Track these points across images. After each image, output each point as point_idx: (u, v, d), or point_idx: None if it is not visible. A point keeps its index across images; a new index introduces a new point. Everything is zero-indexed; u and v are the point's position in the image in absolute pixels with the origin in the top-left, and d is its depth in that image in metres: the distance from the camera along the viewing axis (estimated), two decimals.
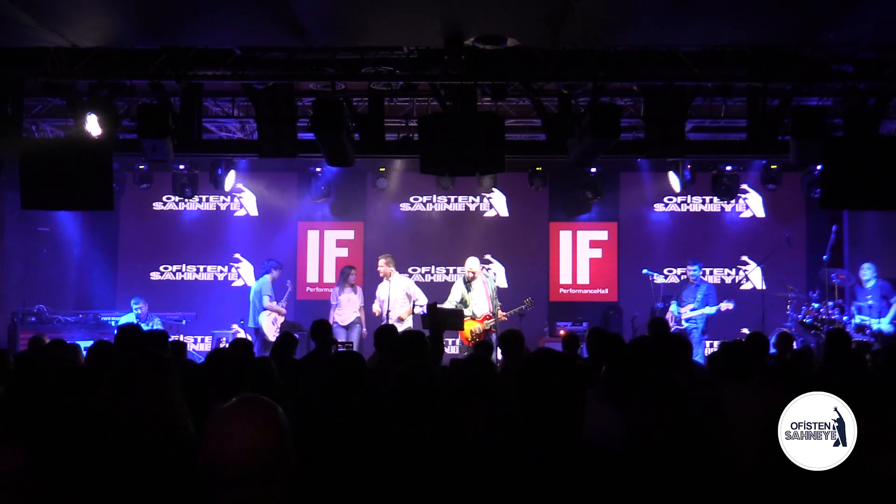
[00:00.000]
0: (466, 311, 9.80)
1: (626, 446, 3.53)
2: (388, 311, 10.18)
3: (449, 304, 9.89)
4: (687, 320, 10.36)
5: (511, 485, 2.42)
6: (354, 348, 9.76)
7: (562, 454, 2.45)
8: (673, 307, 10.57)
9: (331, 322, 10.19)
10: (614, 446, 3.30)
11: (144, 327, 10.24)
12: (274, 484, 1.92)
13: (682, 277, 10.88)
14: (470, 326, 9.82)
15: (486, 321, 9.83)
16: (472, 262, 10.16)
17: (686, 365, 5.39)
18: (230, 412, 1.95)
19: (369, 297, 10.95)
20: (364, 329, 10.75)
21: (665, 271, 12.23)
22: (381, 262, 10.66)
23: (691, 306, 10.47)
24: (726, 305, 10.44)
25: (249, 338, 10.28)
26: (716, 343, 10.00)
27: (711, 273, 12.43)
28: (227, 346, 8.14)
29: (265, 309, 10.99)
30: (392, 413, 2.98)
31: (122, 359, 3.09)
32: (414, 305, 10.41)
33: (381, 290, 10.52)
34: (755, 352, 5.69)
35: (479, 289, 9.99)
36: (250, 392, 2.05)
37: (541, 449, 2.46)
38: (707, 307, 10.42)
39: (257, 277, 11.70)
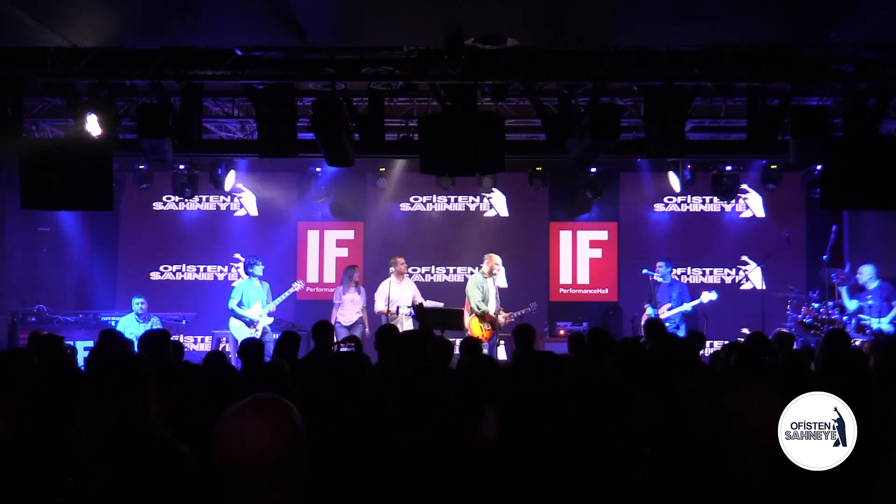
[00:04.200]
0: (482, 308, 9.90)
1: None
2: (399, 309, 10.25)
3: (478, 302, 9.97)
4: (666, 320, 10.36)
5: (510, 480, 2.43)
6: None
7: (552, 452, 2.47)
8: (649, 310, 10.60)
9: (333, 322, 10.19)
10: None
11: (145, 326, 10.26)
12: (286, 484, 1.91)
13: (652, 279, 10.87)
14: (480, 324, 9.89)
15: (489, 320, 9.92)
16: (497, 258, 10.29)
17: (693, 366, 5.39)
18: (246, 411, 1.93)
19: (373, 297, 10.95)
20: (367, 329, 10.73)
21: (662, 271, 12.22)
22: (401, 260, 10.67)
23: (668, 306, 10.52)
24: (709, 296, 10.49)
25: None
26: (716, 343, 10.00)
27: (711, 273, 12.46)
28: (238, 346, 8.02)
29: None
30: (394, 417, 2.96)
31: (93, 363, 3.06)
32: (398, 309, 10.36)
33: (394, 290, 10.50)
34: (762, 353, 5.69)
35: (492, 287, 10.15)
36: (265, 391, 2.04)
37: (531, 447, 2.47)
38: (684, 304, 10.52)
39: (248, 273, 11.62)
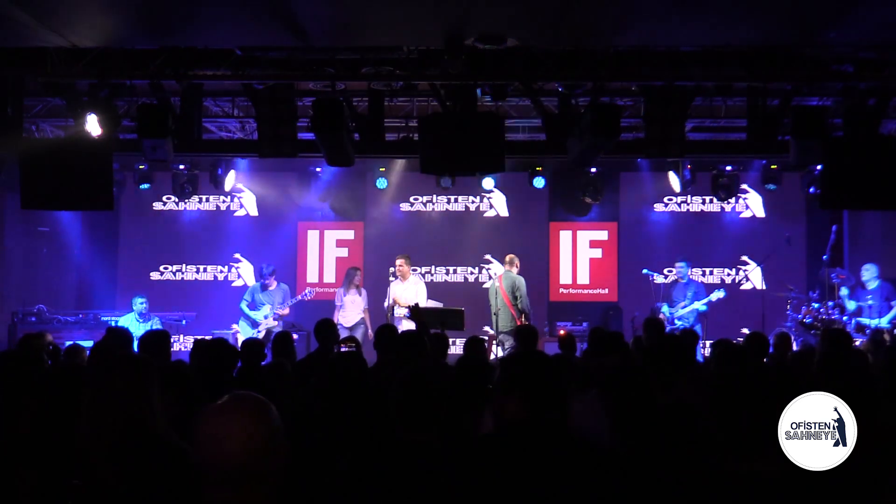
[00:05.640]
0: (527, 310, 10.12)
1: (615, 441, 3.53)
2: (394, 307, 10.27)
3: (525, 300, 10.13)
4: (679, 318, 10.40)
5: (504, 480, 2.44)
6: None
7: (550, 450, 2.47)
8: (665, 309, 10.62)
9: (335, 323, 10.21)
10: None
11: (145, 326, 10.28)
12: (264, 482, 1.91)
13: (670, 279, 10.92)
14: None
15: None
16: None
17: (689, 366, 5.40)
18: (222, 410, 1.93)
19: (374, 297, 10.94)
20: (369, 331, 10.72)
21: (665, 271, 12.22)
22: (400, 261, 10.68)
23: (683, 304, 10.56)
24: (717, 295, 10.55)
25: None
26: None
27: (711, 273, 12.46)
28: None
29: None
30: (396, 417, 2.95)
31: (99, 362, 3.05)
32: (394, 309, 10.36)
33: (394, 289, 10.53)
34: (754, 352, 5.70)
35: None
36: (242, 390, 2.04)
37: (529, 444, 2.48)
38: (697, 302, 10.59)
39: (258, 279, 11.79)
